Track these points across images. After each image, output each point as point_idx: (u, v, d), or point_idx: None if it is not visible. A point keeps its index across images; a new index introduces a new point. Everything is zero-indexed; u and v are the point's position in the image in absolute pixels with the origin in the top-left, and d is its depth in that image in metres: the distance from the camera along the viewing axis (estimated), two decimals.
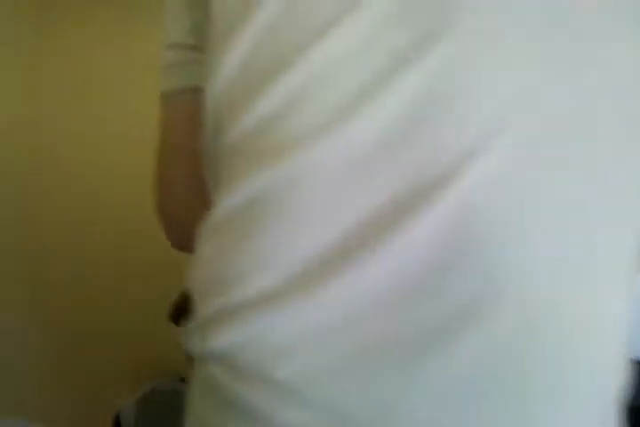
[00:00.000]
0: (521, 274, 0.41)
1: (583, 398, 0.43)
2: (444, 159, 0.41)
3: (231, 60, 0.46)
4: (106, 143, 1.66)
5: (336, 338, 0.41)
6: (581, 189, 0.43)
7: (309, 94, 0.43)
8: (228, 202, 0.46)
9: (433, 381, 0.41)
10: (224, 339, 0.44)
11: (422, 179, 0.41)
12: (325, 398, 0.41)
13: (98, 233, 1.67)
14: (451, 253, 0.41)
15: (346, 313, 0.41)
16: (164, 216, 0.62)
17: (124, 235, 1.66)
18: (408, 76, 0.42)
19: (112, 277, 1.68)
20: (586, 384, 0.43)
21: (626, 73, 0.44)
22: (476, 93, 0.42)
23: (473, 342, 0.40)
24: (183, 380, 1.60)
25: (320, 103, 0.43)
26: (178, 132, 0.60)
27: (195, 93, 0.55)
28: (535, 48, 0.42)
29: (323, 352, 0.42)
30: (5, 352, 1.70)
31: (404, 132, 0.42)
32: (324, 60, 0.43)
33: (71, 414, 1.72)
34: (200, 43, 0.56)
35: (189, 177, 0.58)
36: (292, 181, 0.43)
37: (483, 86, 0.42)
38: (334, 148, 0.42)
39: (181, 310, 1.10)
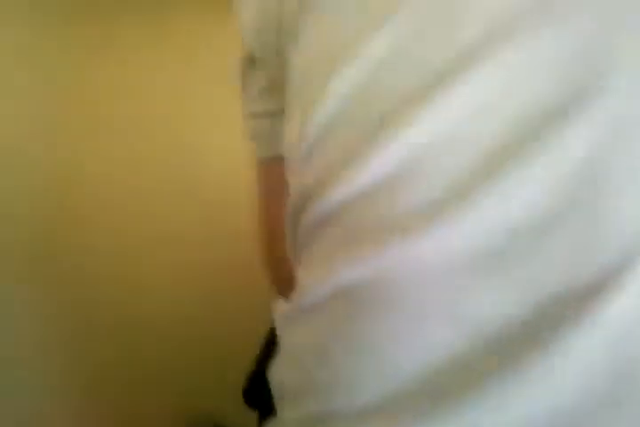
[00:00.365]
0: None
1: None
2: (602, 258, 0.32)
3: (314, 124, 0.40)
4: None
5: None
6: None
7: (417, 167, 0.36)
8: (318, 287, 0.40)
9: None
10: None
11: (573, 283, 0.33)
12: None
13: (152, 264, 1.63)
14: (605, 391, 0.32)
15: None
16: (274, 283, 0.58)
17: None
18: (557, 145, 0.33)
19: (154, 317, 1.65)
20: None
21: None
22: None
23: None
24: None
25: (433, 179, 0.35)
26: (276, 200, 0.55)
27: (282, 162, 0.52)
28: None
29: None
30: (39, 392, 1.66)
31: (546, 223, 0.33)
32: (435, 125, 0.36)
33: None
34: (275, 106, 0.53)
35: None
36: (400, 272, 0.36)
37: None
38: (450, 237, 0.35)
39: (257, 387, 1.06)
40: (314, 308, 0.40)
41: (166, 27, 1.49)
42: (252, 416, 1.09)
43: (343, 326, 0.38)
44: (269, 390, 0.46)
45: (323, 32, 0.42)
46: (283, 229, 0.53)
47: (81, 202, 1.47)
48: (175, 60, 1.49)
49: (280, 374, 0.45)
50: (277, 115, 0.52)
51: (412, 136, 0.36)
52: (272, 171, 0.55)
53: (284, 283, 0.55)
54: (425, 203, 0.35)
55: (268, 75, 0.52)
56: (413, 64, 0.37)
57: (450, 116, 0.36)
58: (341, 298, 0.38)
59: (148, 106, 1.52)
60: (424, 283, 0.35)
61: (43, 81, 1.45)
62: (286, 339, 0.45)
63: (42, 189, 1.45)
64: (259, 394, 1.02)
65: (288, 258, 0.53)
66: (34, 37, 1.41)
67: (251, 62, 0.54)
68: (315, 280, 0.40)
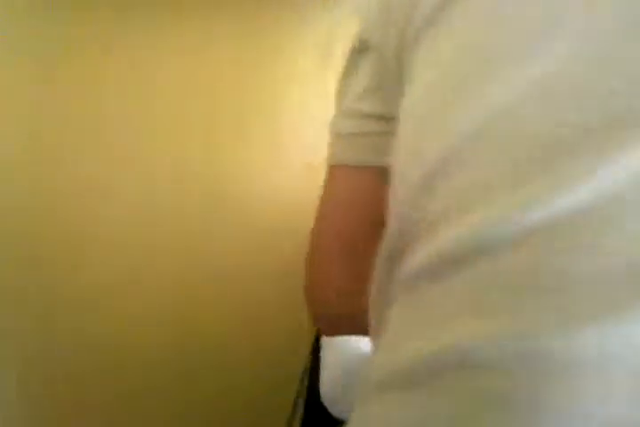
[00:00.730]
0: None
1: None
2: None
3: (444, 146, 0.33)
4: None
5: None
6: None
7: (575, 236, 0.28)
8: (426, 357, 0.31)
9: None
10: None
11: None
12: None
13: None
14: None
15: None
16: (313, 300, 0.53)
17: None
18: None
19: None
20: None
21: None
22: None
23: None
24: None
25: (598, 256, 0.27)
26: (338, 215, 0.51)
27: (369, 174, 0.48)
28: None
29: None
30: None
31: None
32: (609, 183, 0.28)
33: None
34: (378, 109, 0.47)
35: (346, 263, 0.50)
36: (547, 364, 0.27)
37: None
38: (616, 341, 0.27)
39: None
40: (414, 383, 0.31)
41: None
42: None
43: (454, 418, 0.29)
44: None
45: (467, 37, 0.36)
46: (345, 250, 0.50)
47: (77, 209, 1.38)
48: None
49: None
50: (379, 119, 0.47)
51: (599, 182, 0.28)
52: (350, 181, 0.50)
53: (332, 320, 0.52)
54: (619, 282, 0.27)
55: (380, 67, 0.46)
56: (578, 97, 0.30)
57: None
58: (460, 379, 0.30)
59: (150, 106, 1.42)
60: (576, 377, 0.27)
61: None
62: (363, 415, 0.35)
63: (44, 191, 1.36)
64: None
65: (344, 289, 0.50)
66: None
67: (363, 49, 0.48)
68: (421, 346, 0.31)
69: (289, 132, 1.36)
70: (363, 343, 0.82)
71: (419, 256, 0.33)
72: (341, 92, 0.51)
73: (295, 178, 1.36)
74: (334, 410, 0.84)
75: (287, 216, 1.37)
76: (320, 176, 0.53)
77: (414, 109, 0.38)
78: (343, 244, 0.50)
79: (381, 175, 0.44)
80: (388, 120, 0.45)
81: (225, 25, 1.33)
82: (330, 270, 0.52)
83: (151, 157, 1.37)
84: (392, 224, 0.37)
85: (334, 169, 0.51)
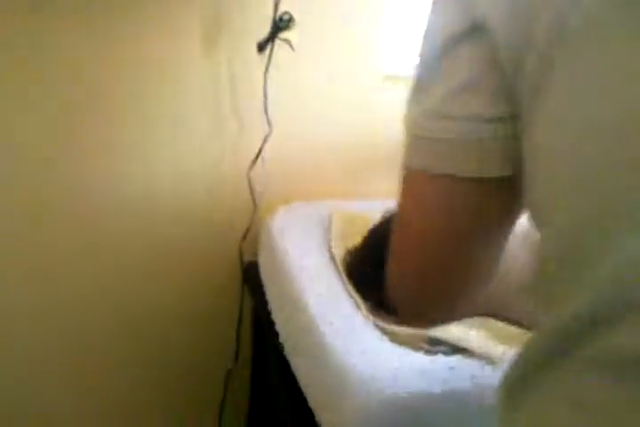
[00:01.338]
0: None
1: None
2: None
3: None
4: None
5: None
6: None
7: None
8: None
9: None
10: None
11: None
12: None
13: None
14: None
15: None
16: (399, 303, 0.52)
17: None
18: None
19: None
20: None
21: None
22: None
23: None
24: None
25: None
26: (428, 227, 0.46)
27: (464, 184, 0.42)
28: None
29: None
30: None
31: None
32: None
33: None
34: (476, 109, 0.40)
35: (428, 277, 0.48)
36: None
37: None
38: None
39: None
40: None
41: None
42: None
43: None
44: None
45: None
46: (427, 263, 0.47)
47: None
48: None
49: None
50: (486, 122, 0.40)
51: None
52: (453, 193, 0.44)
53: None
54: None
55: (488, 56, 0.38)
56: None
57: None
58: None
59: None
60: None
61: None
62: None
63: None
64: None
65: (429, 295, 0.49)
66: None
67: (468, 34, 0.39)
68: None
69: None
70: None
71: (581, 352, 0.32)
72: (426, 86, 0.43)
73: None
74: None
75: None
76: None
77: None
78: (429, 256, 0.47)
79: (484, 185, 0.42)
80: (492, 121, 0.40)
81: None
82: (412, 281, 0.50)
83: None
84: (587, 300, 0.35)
85: (433, 179, 0.43)
